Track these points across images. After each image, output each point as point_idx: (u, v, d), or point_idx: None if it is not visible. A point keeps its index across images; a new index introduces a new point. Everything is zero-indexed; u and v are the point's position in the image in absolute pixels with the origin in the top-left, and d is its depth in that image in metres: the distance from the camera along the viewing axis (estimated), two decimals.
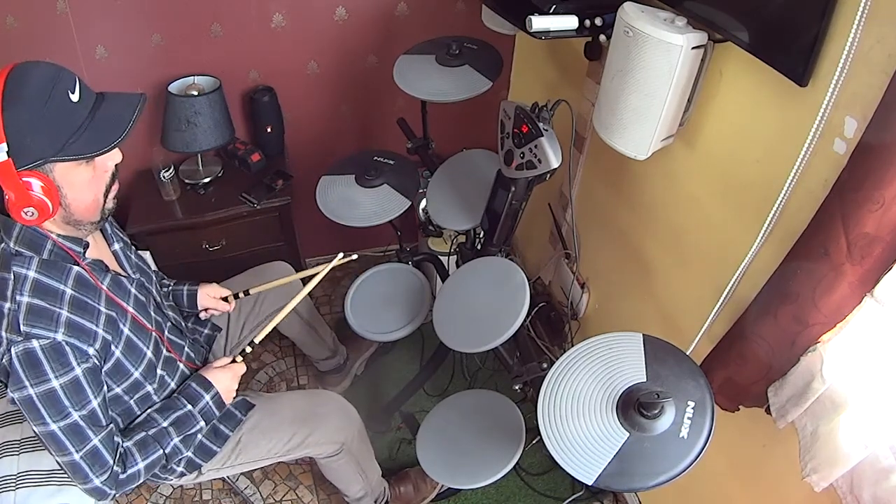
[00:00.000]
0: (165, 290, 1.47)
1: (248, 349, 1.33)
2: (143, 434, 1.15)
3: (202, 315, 1.52)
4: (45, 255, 1.03)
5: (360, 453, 1.56)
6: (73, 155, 0.96)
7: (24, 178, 0.93)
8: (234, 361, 1.31)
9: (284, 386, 2.14)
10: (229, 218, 1.90)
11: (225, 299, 1.52)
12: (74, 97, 0.96)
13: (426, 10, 1.94)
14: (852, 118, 0.89)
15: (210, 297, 1.49)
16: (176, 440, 1.18)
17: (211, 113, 1.79)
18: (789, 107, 1.01)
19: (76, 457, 1.03)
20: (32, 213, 0.96)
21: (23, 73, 0.92)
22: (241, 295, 1.54)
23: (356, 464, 1.55)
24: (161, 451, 1.15)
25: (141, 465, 1.12)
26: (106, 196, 1.07)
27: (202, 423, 1.22)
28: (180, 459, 1.28)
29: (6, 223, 1.02)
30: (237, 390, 1.30)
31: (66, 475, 1.34)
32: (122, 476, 1.09)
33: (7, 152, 0.90)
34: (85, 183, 1.02)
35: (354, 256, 1.46)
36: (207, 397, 1.22)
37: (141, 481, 1.14)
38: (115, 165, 1.07)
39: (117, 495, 1.10)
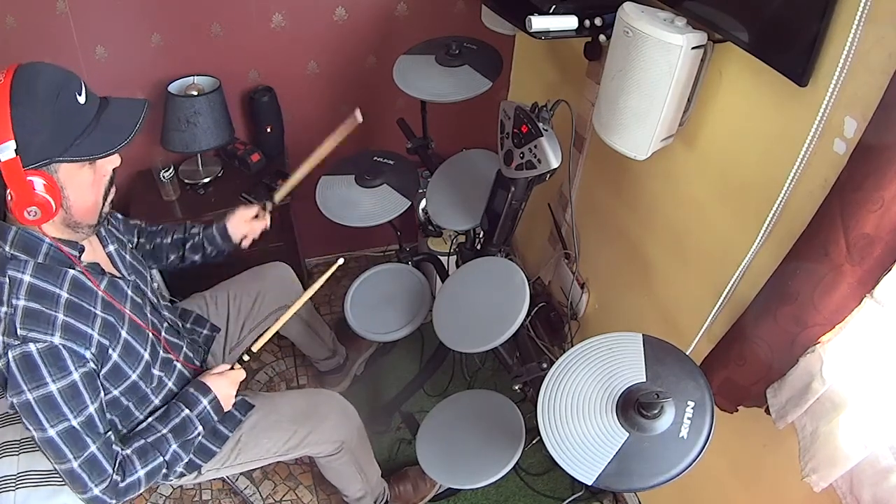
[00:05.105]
0: (196, 239, 1.45)
1: (247, 357, 1.31)
2: (142, 441, 1.14)
3: (244, 244, 1.48)
4: (41, 259, 1.03)
5: (360, 452, 1.56)
6: (78, 156, 0.97)
7: (29, 177, 0.93)
8: (232, 368, 1.30)
9: (284, 386, 2.14)
10: None
11: (255, 218, 1.48)
12: (81, 99, 0.96)
13: (426, 10, 1.94)
14: (852, 118, 0.89)
15: (243, 224, 1.47)
16: (175, 446, 1.17)
17: (211, 113, 1.79)
18: (789, 107, 1.01)
19: (74, 465, 1.02)
20: (35, 213, 0.96)
21: (31, 73, 0.93)
22: (267, 206, 1.48)
23: (355, 463, 1.55)
24: (161, 458, 1.15)
25: (141, 473, 1.11)
26: (104, 200, 1.08)
27: (200, 429, 1.21)
28: (181, 464, 1.27)
29: (1, 227, 1.02)
30: (236, 393, 1.30)
31: None
32: (121, 485, 1.08)
33: (15, 150, 0.90)
34: (87, 185, 1.02)
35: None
36: (205, 402, 1.22)
37: (141, 490, 1.12)
38: (113, 170, 1.07)
39: None
